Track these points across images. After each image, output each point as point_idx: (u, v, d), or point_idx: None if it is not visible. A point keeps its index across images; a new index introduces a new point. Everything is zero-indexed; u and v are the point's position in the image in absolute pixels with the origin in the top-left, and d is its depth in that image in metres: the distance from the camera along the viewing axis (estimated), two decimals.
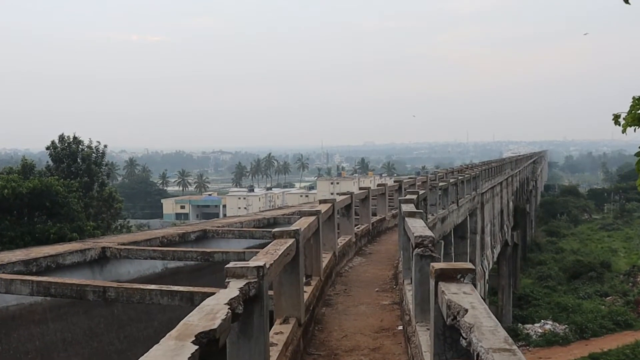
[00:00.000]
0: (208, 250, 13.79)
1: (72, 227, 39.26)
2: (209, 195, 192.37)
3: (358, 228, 15.76)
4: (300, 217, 8.56)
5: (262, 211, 23.81)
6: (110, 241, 14.25)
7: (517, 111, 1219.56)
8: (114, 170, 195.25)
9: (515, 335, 52.08)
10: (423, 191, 15.85)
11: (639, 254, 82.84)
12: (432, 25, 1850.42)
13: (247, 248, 17.64)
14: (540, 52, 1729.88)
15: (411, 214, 8.38)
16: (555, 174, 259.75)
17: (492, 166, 47.17)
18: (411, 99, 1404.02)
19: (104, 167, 53.19)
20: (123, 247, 13.51)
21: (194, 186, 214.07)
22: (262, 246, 16.25)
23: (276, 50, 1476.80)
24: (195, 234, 16.56)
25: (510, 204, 59.77)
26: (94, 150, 52.30)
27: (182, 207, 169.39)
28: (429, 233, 6.53)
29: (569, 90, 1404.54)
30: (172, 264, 14.69)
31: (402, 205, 10.32)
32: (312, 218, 8.45)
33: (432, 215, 19.38)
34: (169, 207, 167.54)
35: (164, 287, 9.40)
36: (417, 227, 7.22)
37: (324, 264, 9.58)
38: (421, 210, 8.75)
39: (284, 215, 20.21)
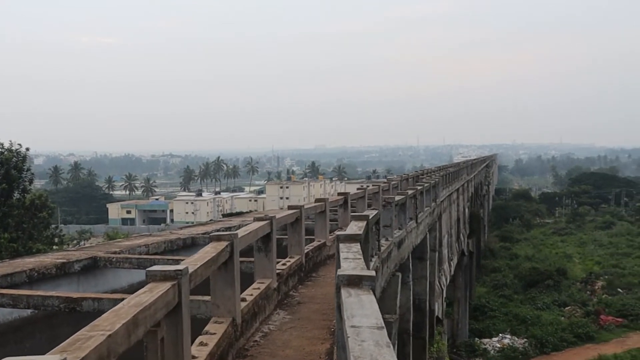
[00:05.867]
0: (75, 295, 9.85)
1: None
2: (156, 199, 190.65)
3: (284, 264, 11.62)
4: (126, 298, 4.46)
5: (182, 228, 19.77)
6: None
7: (467, 115, 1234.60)
8: (58, 174, 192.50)
9: (472, 350, 49.95)
10: (375, 211, 11.77)
11: (594, 259, 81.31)
12: (387, 29, 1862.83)
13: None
14: (491, 57, 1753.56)
15: (353, 281, 4.47)
16: (506, 178, 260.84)
17: (450, 171, 43.65)
18: (362, 102, 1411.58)
19: (25, 172, 48.39)
20: None
21: (141, 190, 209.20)
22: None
23: (228, 54, 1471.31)
24: (80, 264, 12.55)
25: (466, 210, 56.60)
26: (15, 154, 47.47)
27: (129, 212, 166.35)
28: None
29: (518, 94, 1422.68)
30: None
31: (341, 247, 6.39)
32: (158, 292, 4.39)
33: (387, 239, 15.42)
34: (115, 211, 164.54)
35: None
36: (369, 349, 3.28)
37: None
38: (372, 273, 4.72)
39: (204, 234, 16.34)
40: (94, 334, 3.48)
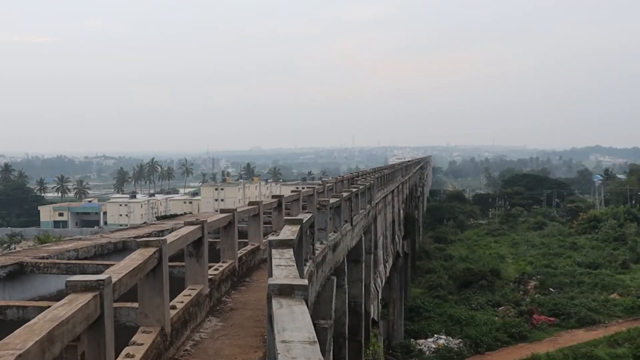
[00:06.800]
0: None
1: None
2: (89, 202, 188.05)
3: (217, 269, 11.32)
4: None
5: (113, 231, 19.29)
6: None
7: (402, 117, 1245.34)
8: None
9: (408, 351, 50.07)
10: (309, 215, 11.57)
11: (527, 260, 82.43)
12: (322, 32, 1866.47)
13: None
14: (424, 60, 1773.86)
15: (285, 291, 4.27)
16: (440, 179, 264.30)
17: (385, 173, 43.75)
18: (298, 104, 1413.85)
19: None
20: None
21: (74, 192, 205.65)
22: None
23: (162, 54, 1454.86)
24: (6, 270, 12.10)
25: (401, 212, 56.86)
26: None
27: (61, 215, 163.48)
28: None
29: (451, 97, 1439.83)
30: None
31: (274, 253, 6.19)
32: (78, 305, 4.04)
33: (322, 243, 15.25)
34: (47, 214, 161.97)
35: None
36: None
37: None
38: (305, 282, 4.54)
39: (137, 237, 15.93)
40: (2, 354, 3.21)
